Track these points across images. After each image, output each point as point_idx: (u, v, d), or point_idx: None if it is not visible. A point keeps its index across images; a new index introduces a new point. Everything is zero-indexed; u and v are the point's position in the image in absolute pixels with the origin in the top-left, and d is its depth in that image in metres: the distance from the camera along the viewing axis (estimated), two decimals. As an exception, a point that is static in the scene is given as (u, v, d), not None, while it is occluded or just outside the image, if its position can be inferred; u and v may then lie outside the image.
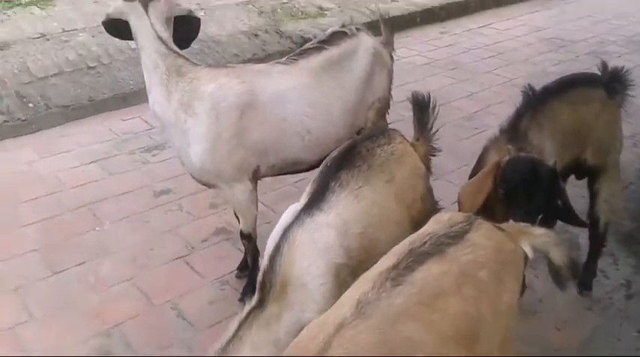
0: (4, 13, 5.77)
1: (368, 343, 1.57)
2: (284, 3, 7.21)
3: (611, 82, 2.81)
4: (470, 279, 1.75)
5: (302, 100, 2.69)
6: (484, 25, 7.33)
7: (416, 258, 1.74)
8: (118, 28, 2.66)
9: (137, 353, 2.70)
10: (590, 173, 2.91)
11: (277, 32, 6.45)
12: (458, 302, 1.71)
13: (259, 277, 1.96)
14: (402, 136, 2.45)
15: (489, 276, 1.79)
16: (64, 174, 4.08)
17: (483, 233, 1.85)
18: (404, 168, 2.32)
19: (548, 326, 2.88)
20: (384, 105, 3.09)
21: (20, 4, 6.12)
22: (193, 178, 2.75)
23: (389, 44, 3.17)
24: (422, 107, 2.58)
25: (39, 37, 5.45)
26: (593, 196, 2.97)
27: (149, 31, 2.56)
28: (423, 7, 7.45)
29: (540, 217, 2.33)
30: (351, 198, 2.10)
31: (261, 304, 1.92)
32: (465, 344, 1.71)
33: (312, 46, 2.83)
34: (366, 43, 2.91)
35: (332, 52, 2.81)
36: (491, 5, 7.97)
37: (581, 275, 3.08)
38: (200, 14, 5.88)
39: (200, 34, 2.88)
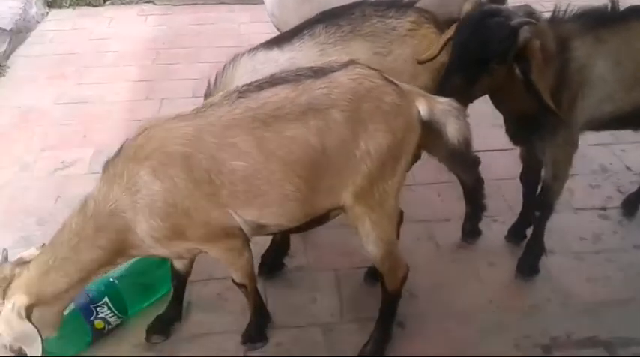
0: None
1: (184, 135, 1.77)
2: None
3: None
4: (318, 112, 1.77)
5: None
6: None
7: (271, 80, 1.83)
8: None
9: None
10: None
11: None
12: (297, 128, 1.77)
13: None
14: (429, 21, 2.26)
15: (342, 115, 1.78)
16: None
17: (351, 76, 1.82)
18: (406, 48, 2.20)
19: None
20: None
21: None
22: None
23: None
24: None
25: None
26: None
27: None
28: None
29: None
30: (315, 49, 2.15)
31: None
32: (298, 170, 1.79)
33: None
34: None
35: None
36: None
37: None
38: None
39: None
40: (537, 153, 2.31)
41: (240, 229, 1.90)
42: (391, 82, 1.87)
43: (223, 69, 2.21)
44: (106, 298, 2.21)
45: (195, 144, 1.77)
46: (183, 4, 5.37)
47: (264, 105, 1.79)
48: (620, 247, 2.68)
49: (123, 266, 2.20)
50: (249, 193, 1.81)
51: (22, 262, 1.82)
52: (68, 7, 5.28)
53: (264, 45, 2.24)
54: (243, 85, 1.85)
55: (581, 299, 2.41)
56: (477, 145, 2.57)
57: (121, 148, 1.84)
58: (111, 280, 2.24)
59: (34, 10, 5.02)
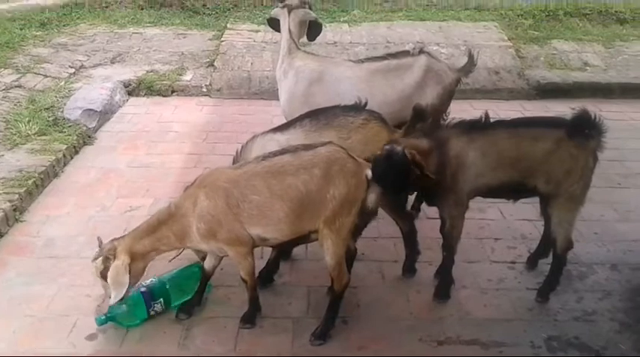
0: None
1: (228, 177, 3.03)
2: (553, 54, 7.86)
3: (576, 126, 3.22)
4: (306, 170, 2.97)
5: (353, 86, 4.02)
6: None
7: (281, 151, 3.09)
8: (273, 22, 4.44)
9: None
10: (544, 199, 3.43)
11: (519, 74, 7.28)
12: (292, 179, 2.97)
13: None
14: (376, 119, 3.52)
15: (320, 172, 2.96)
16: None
17: (328, 150, 3.02)
18: (360, 135, 3.45)
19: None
20: (432, 111, 4.09)
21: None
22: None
23: (463, 71, 4.18)
24: (420, 117, 3.50)
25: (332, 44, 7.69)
26: (547, 219, 3.48)
27: (286, 26, 4.26)
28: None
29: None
30: (301, 134, 3.42)
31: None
32: (289, 203, 2.97)
33: (380, 56, 4.13)
34: (421, 61, 4.03)
35: (391, 62, 4.06)
36: None
37: (542, 285, 3.60)
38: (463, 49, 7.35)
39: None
40: (441, 212, 3.45)
41: (249, 240, 3.07)
42: (352, 156, 3.05)
43: (246, 144, 3.49)
44: (161, 299, 3.36)
45: (233, 183, 3.02)
46: (232, 98, 6.85)
47: (274, 165, 3.01)
48: (517, 288, 3.71)
49: (175, 274, 3.44)
50: (259, 215, 3.00)
51: (117, 239, 3.08)
52: (144, 96, 6.82)
53: (271, 130, 3.53)
54: (266, 153, 3.10)
55: (475, 316, 3.45)
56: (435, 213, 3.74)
57: (196, 179, 3.13)
58: (167, 287, 3.38)
59: (117, 97, 6.55)
